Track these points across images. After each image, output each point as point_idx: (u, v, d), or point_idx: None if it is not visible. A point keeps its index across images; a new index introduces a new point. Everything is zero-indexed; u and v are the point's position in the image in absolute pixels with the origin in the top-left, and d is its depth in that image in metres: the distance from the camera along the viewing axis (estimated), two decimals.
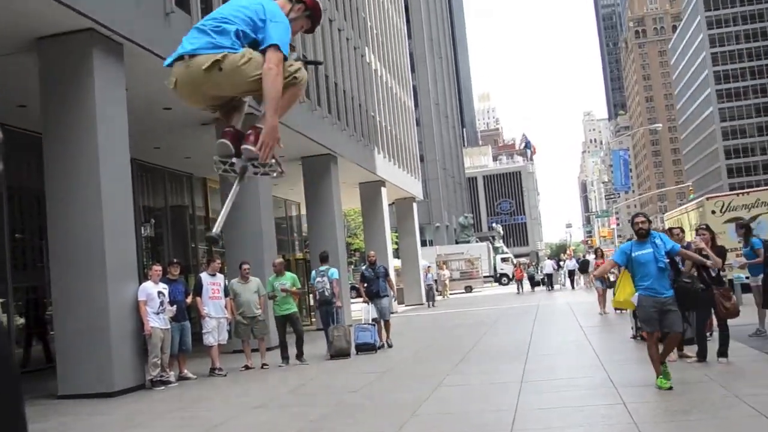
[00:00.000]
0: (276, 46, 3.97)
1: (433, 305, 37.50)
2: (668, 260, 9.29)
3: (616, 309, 19.20)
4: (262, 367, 14.65)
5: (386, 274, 17.47)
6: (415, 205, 42.31)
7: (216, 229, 4.03)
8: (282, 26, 4.11)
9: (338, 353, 15.61)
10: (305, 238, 35.51)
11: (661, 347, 9.19)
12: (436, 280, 41.96)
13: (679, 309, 9.22)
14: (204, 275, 14.90)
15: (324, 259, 16.86)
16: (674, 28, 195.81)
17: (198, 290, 14.60)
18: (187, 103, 4.16)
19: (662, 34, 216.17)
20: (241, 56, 3.95)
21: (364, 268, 18.12)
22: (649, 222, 9.56)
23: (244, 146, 4.01)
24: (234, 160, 4.08)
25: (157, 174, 23.94)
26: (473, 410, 8.75)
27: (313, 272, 16.94)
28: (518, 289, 46.83)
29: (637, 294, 9.22)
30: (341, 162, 27.20)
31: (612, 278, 21.49)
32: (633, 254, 9.21)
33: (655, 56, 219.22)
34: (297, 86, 4.13)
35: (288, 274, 15.71)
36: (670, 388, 8.72)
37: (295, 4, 4.51)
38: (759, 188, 33.17)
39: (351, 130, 28.86)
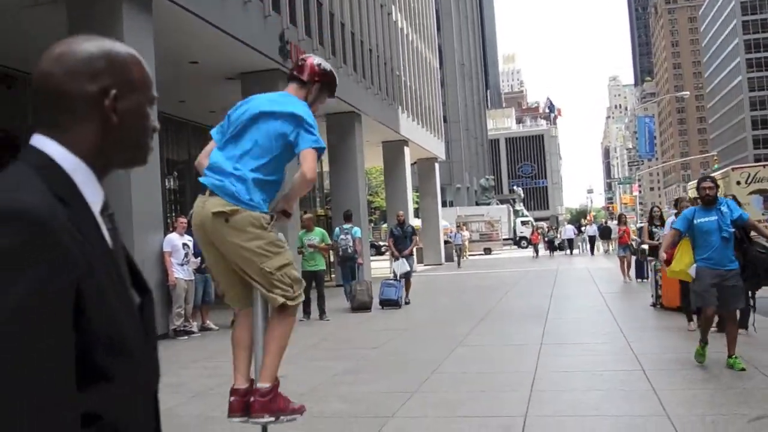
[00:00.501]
0: (313, 149, 4.40)
1: (459, 265, 37.73)
2: (734, 230, 8.43)
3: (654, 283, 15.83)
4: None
5: (413, 233, 18.01)
6: (437, 166, 42.25)
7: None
8: (313, 128, 4.47)
9: (360, 306, 16.46)
10: (327, 195, 35.64)
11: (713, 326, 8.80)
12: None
13: (747, 283, 8.55)
14: (174, 235, 14.43)
15: (348, 217, 17.56)
16: None
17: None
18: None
19: (692, 0, 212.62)
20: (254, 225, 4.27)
21: (393, 226, 18.79)
22: (717, 187, 8.64)
23: None
24: None
25: (182, 127, 24.02)
26: (493, 370, 8.85)
27: (337, 229, 17.57)
28: (534, 253, 46.53)
29: (695, 265, 8.43)
30: (365, 120, 27.17)
31: (635, 245, 21.40)
32: (696, 221, 8.42)
33: (684, 23, 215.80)
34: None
35: (317, 229, 15.78)
36: (702, 361, 8.43)
37: (311, 85, 4.70)
38: None
39: (376, 88, 28.78)
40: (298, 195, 4.66)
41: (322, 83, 4.80)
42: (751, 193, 25.18)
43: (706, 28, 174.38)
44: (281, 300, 4.31)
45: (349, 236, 16.89)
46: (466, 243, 48.31)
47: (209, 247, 4.45)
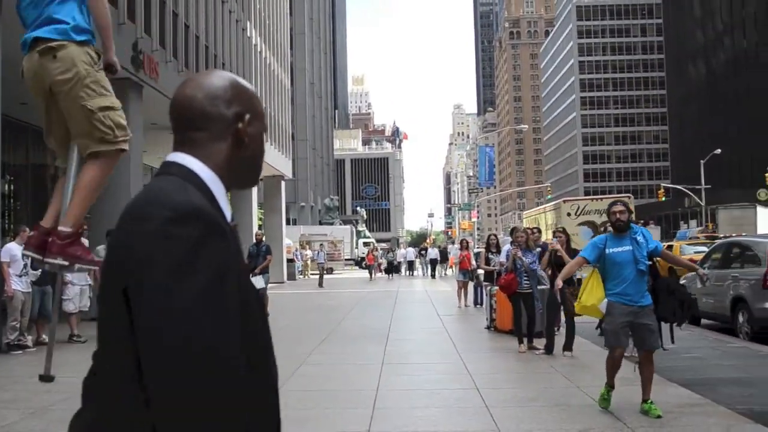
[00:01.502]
0: None
1: (321, 285, 35.94)
2: (650, 263, 7.69)
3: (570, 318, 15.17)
4: None
5: (268, 252, 18.23)
6: (283, 184, 42.33)
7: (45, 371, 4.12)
8: None
9: None
10: None
11: (629, 366, 8.14)
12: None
13: (663, 319, 7.86)
14: (12, 245, 14.00)
15: None
16: (547, 33, 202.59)
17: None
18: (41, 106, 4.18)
19: (535, 38, 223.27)
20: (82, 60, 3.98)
21: (251, 245, 19.25)
22: (630, 212, 7.82)
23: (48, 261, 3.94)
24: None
25: (21, 130, 23.08)
26: (337, 388, 9.14)
27: None
28: (370, 274, 44.75)
29: (605, 300, 7.61)
30: None
31: (471, 269, 22.13)
32: (608, 251, 7.60)
33: (526, 58, 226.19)
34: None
35: None
36: (606, 409, 7.66)
37: None
38: (612, 195, 35.05)
39: None
40: (109, 32, 4.25)
41: None
42: (580, 224, 26.80)
43: (546, 65, 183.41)
44: (94, 147, 4.00)
45: None
46: (308, 262, 48.11)
47: (41, 96, 4.12)
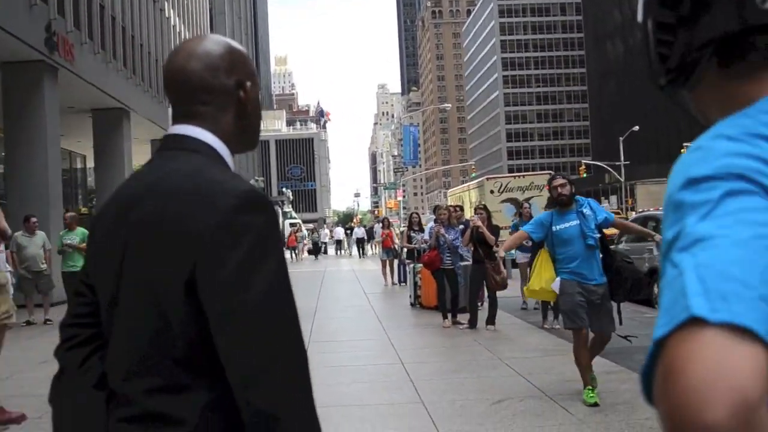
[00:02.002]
0: None
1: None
2: (599, 235, 7.14)
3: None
4: (45, 323, 14.31)
5: None
6: None
7: None
8: None
9: None
10: (90, 192, 34.33)
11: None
12: None
13: (616, 299, 7.20)
14: None
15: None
16: (469, 12, 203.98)
17: None
18: None
19: (457, 17, 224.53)
20: None
21: None
22: (571, 185, 7.27)
23: None
24: None
25: None
26: None
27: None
28: (292, 256, 44.18)
29: (558, 279, 7.14)
30: (134, 117, 26.56)
31: (397, 248, 22.34)
32: (554, 228, 7.14)
33: (449, 37, 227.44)
34: None
35: (79, 229, 15.32)
36: (596, 404, 6.71)
37: None
38: (534, 172, 35.69)
39: (146, 85, 28.22)
40: None
41: None
42: (502, 201, 27.24)
43: (468, 44, 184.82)
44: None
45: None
46: None
47: None
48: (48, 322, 14.31)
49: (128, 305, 1.55)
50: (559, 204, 7.15)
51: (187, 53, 1.66)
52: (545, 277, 7.33)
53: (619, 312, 7.22)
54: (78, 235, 15.01)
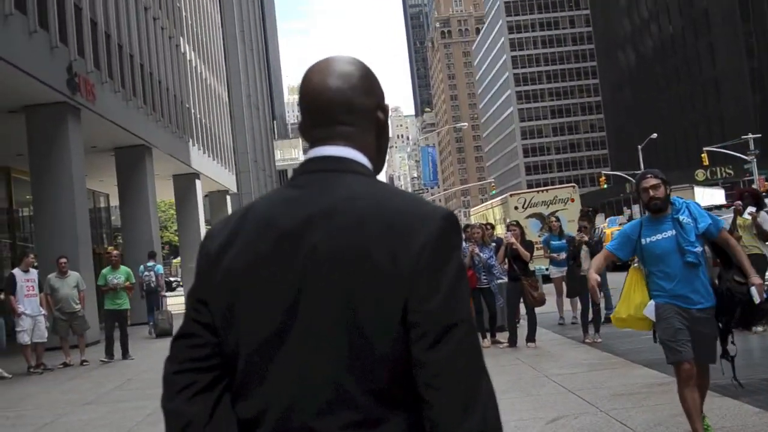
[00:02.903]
0: None
1: None
2: (701, 248, 5.59)
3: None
4: (81, 364, 14.27)
5: None
6: (228, 198, 42.03)
7: None
8: None
9: (163, 333, 18.33)
10: (115, 230, 34.48)
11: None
12: None
13: (725, 324, 5.70)
14: (17, 272, 14.29)
15: (152, 256, 20.79)
16: (478, 30, 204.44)
17: (11, 288, 13.98)
18: None
19: (466, 36, 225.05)
20: None
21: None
22: (666, 185, 5.63)
23: None
24: None
25: None
26: None
27: (142, 267, 20.27)
28: None
29: (651, 302, 5.59)
30: (156, 153, 26.69)
31: None
32: (643, 240, 5.61)
33: (459, 56, 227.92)
34: None
35: (122, 268, 15.48)
36: None
37: None
38: (557, 186, 35.57)
39: (166, 121, 28.37)
40: None
41: None
42: (528, 217, 27.09)
43: (479, 62, 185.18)
44: None
45: (152, 272, 19.84)
46: None
47: None
48: (84, 363, 14.29)
49: (312, 338, 1.46)
50: (651, 210, 5.62)
51: (328, 73, 1.61)
52: (636, 302, 5.71)
53: (724, 340, 5.71)
54: (122, 274, 15.19)
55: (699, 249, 5.51)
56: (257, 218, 1.55)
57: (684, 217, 5.55)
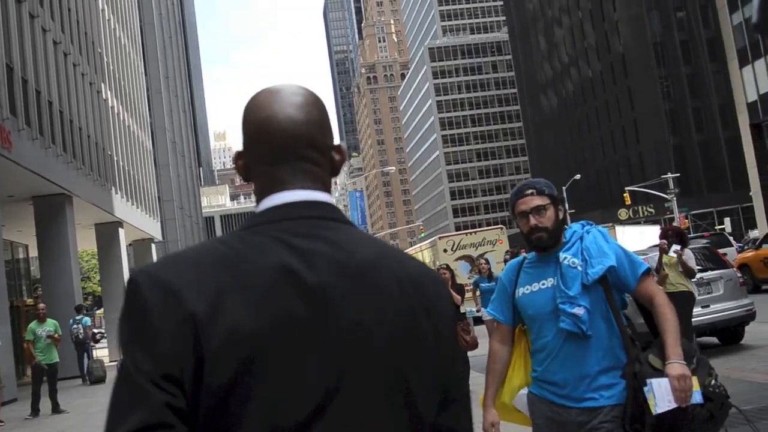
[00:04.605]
0: None
1: None
2: (584, 308, 3.30)
3: None
4: None
5: None
6: (153, 246, 41.20)
7: None
8: None
9: (97, 380, 20.01)
10: (34, 282, 33.34)
11: None
12: None
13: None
14: None
15: (78, 309, 21.98)
16: (403, 75, 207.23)
17: None
18: None
19: (392, 81, 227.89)
20: None
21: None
22: (558, 206, 3.49)
23: None
24: None
25: None
26: None
27: (71, 320, 21.12)
28: None
29: (524, 390, 3.55)
30: (76, 202, 25.97)
31: None
32: (518, 291, 3.53)
33: (385, 101, 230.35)
34: None
35: (49, 320, 14.95)
36: None
37: None
38: (484, 228, 35.79)
39: (87, 169, 27.68)
40: None
41: None
42: (457, 259, 27.14)
43: (405, 107, 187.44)
44: None
45: (80, 325, 20.95)
46: None
47: None
48: (0, 424, 13.58)
49: (363, 417, 1.26)
50: (535, 248, 3.50)
51: (286, 104, 1.39)
52: (513, 385, 3.61)
53: None
54: (50, 326, 14.75)
55: (580, 310, 3.26)
56: (263, 268, 1.25)
57: (567, 256, 3.40)
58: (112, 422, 1.16)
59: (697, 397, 3.09)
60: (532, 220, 3.41)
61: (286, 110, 1.37)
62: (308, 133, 1.37)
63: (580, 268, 3.33)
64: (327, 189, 1.40)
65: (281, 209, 1.34)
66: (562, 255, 3.41)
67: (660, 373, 3.11)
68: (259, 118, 1.38)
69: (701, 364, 3.25)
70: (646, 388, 3.09)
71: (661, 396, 3.06)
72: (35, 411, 14.10)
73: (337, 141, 1.46)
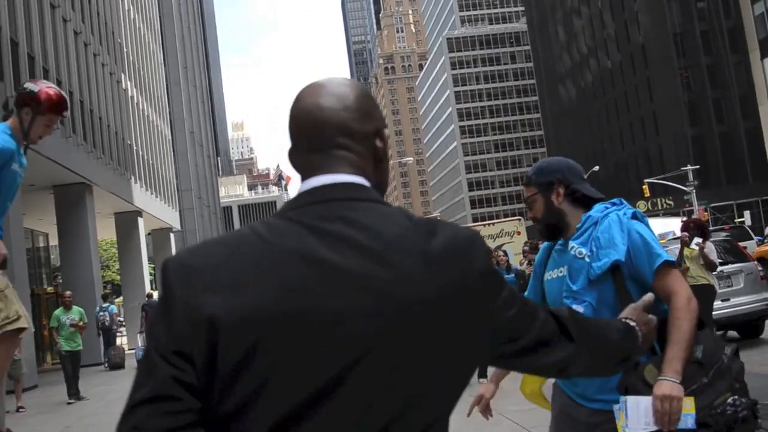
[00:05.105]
0: None
1: None
2: (590, 302, 2.99)
3: None
4: (17, 410, 13.69)
5: None
6: (172, 236, 41.39)
7: None
8: None
9: (115, 366, 21.25)
10: (54, 270, 33.61)
11: None
12: None
13: None
14: None
15: (105, 297, 23.35)
16: (421, 66, 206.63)
17: None
18: None
19: (410, 72, 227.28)
20: None
21: (146, 303, 23.17)
22: (548, 193, 3.19)
23: None
24: None
25: None
26: None
27: (97, 308, 22.51)
28: None
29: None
30: (96, 191, 26.14)
31: None
32: (546, 275, 3.33)
33: (403, 92, 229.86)
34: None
35: (75, 308, 15.09)
36: None
37: (20, 109, 4.44)
38: (502, 219, 35.70)
39: (107, 158, 27.86)
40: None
41: (31, 106, 4.46)
42: None
43: (423, 98, 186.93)
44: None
45: (107, 312, 22.23)
46: None
47: None
48: (21, 410, 13.71)
49: (384, 396, 1.28)
50: (542, 236, 3.34)
51: (322, 94, 1.44)
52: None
53: None
54: (76, 314, 14.91)
55: (580, 308, 2.96)
56: (282, 251, 1.29)
57: (575, 245, 3.10)
58: (132, 393, 1.25)
59: (688, 422, 2.71)
60: (529, 211, 3.32)
61: (320, 100, 1.42)
62: (340, 121, 1.41)
63: (587, 259, 3.03)
64: (365, 175, 1.42)
65: (308, 194, 1.38)
66: (570, 243, 3.12)
67: (650, 389, 2.76)
68: (296, 110, 1.45)
69: (721, 377, 2.79)
70: (617, 406, 2.80)
71: (635, 417, 2.76)
72: (74, 395, 14.41)
73: (385, 129, 1.48)
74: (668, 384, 2.71)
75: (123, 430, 1.22)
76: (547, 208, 3.17)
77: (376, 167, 1.47)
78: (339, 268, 1.27)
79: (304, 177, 1.43)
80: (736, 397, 2.75)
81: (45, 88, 4.50)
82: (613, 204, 3.16)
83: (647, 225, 3.07)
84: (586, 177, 3.05)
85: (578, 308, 2.90)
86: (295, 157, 1.47)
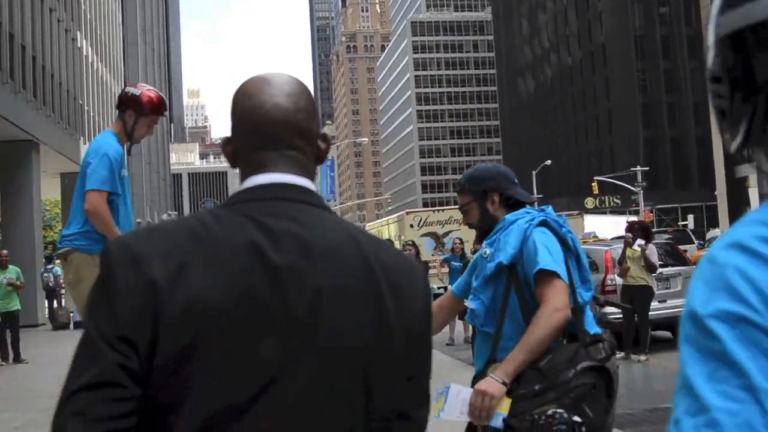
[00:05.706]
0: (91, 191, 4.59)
1: None
2: (482, 304, 3.19)
3: None
4: None
5: None
6: None
7: None
8: (94, 164, 4.56)
9: (60, 326, 21.08)
10: None
11: None
12: None
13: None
14: None
15: (50, 259, 22.85)
16: (383, 47, 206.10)
17: None
18: None
19: (372, 52, 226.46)
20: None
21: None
22: (481, 201, 3.32)
23: None
24: None
25: None
26: None
27: (41, 269, 22.76)
28: None
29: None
30: (43, 150, 25.61)
31: None
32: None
33: (363, 72, 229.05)
34: None
35: (11, 267, 14.71)
36: None
37: (122, 113, 4.73)
38: (453, 206, 35.85)
39: (56, 116, 27.31)
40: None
41: (134, 109, 4.70)
42: (423, 235, 27.19)
43: (382, 79, 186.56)
44: None
45: (51, 274, 22.11)
46: None
47: None
48: None
49: (314, 398, 1.29)
50: (480, 240, 3.46)
51: (275, 93, 1.42)
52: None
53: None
54: (12, 273, 14.52)
55: (472, 305, 3.21)
56: (229, 244, 1.28)
57: (485, 246, 3.27)
58: (71, 377, 1.21)
59: (498, 421, 2.85)
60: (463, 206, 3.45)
61: (275, 99, 1.41)
62: (296, 122, 1.41)
63: (488, 260, 3.20)
64: (310, 176, 1.43)
65: (257, 189, 1.38)
66: (483, 244, 3.30)
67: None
68: (248, 107, 1.43)
69: (553, 389, 2.85)
70: (439, 390, 2.97)
71: (452, 404, 2.96)
72: (4, 357, 14.10)
73: (323, 130, 1.49)
74: (490, 381, 2.86)
75: (64, 416, 1.19)
76: (483, 215, 3.31)
77: (314, 168, 1.48)
78: (284, 267, 1.28)
79: (250, 172, 1.42)
80: (560, 410, 2.79)
81: (145, 91, 4.80)
82: (542, 210, 3.25)
83: (556, 233, 3.13)
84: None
85: (470, 304, 3.20)
86: (239, 151, 1.47)
